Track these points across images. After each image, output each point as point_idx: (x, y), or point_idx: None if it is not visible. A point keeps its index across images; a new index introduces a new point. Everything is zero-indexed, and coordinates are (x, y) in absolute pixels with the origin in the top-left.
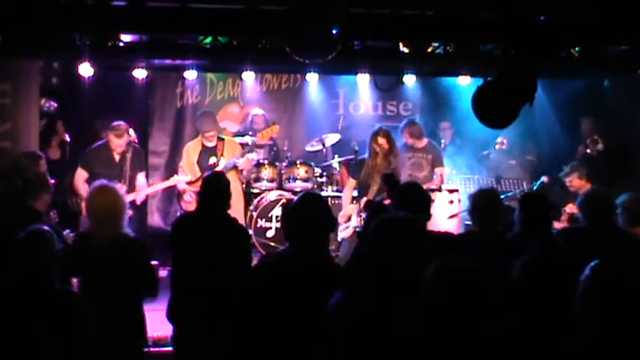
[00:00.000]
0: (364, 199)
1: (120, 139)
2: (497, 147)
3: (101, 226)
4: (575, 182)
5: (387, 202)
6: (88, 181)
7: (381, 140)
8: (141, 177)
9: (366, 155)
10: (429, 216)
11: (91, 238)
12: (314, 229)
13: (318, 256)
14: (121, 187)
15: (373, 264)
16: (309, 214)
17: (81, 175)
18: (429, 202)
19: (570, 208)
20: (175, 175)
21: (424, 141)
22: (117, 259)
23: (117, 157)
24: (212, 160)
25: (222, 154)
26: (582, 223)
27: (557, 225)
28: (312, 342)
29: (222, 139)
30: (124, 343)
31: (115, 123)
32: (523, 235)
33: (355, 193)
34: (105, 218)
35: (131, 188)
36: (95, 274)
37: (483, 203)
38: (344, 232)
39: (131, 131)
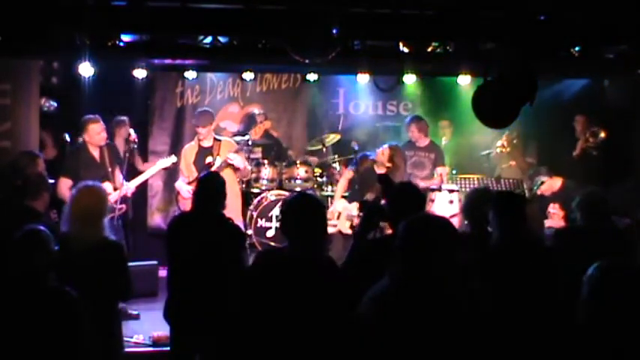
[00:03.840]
0: (354, 203)
1: (99, 124)
2: (499, 150)
3: (83, 227)
4: (545, 187)
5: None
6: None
7: (386, 155)
8: (117, 173)
9: (370, 155)
10: None
11: (71, 240)
12: (311, 229)
13: (316, 255)
14: (108, 186)
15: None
16: (306, 214)
17: (65, 184)
18: (424, 202)
19: (553, 208)
20: (159, 160)
21: (427, 140)
22: (93, 264)
23: (97, 157)
24: (208, 159)
25: (217, 154)
26: (579, 223)
27: (554, 225)
28: (311, 340)
29: (219, 140)
30: (99, 345)
31: (90, 116)
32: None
33: (346, 194)
34: (88, 220)
35: (115, 185)
36: (73, 275)
37: (475, 203)
38: (331, 228)
39: (131, 131)
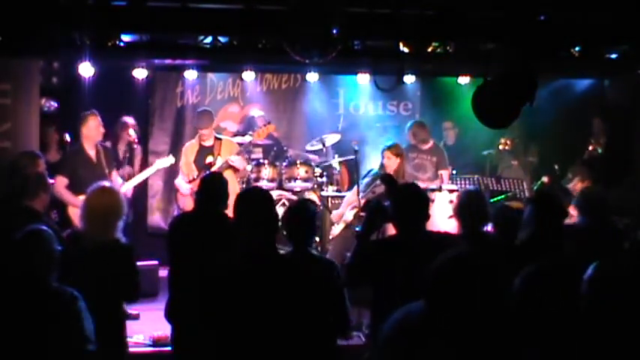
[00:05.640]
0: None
1: (97, 119)
2: (500, 147)
3: (95, 228)
4: (579, 186)
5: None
6: (69, 187)
7: (391, 155)
8: (114, 175)
9: (377, 170)
10: (427, 216)
11: (82, 240)
12: (256, 225)
13: (270, 252)
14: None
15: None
16: (248, 211)
17: (61, 182)
18: (427, 202)
19: (572, 209)
20: (157, 160)
21: (430, 143)
22: (103, 265)
23: (94, 157)
24: (209, 159)
25: (218, 154)
26: (578, 222)
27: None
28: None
29: (220, 139)
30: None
31: (88, 111)
32: (536, 238)
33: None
34: (101, 221)
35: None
36: (80, 276)
37: (465, 203)
38: (334, 230)
39: (131, 131)
